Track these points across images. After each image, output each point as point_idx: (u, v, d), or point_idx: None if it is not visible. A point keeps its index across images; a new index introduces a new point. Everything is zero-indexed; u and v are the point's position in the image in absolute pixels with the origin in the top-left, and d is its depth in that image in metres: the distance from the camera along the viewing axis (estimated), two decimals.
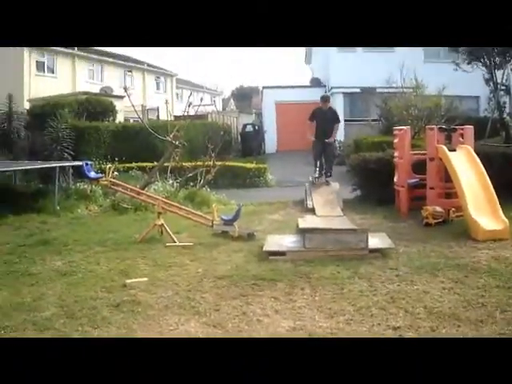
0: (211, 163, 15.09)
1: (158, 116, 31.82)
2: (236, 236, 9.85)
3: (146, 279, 7.50)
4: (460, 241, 9.11)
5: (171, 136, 14.27)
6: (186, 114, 15.73)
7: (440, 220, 10.30)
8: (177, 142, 14.15)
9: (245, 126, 31.61)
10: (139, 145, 20.82)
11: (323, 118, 13.71)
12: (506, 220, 9.37)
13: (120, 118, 26.62)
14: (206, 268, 8.12)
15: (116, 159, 17.44)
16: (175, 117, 23.59)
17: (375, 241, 8.67)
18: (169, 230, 9.77)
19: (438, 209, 10.39)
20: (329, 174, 14.05)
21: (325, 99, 14.12)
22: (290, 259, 8.28)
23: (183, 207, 10.98)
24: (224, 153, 18.54)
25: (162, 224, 9.88)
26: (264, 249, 8.68)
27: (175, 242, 9.53)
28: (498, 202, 9.78)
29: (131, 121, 27.40)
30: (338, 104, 27.38)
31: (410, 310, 6.13)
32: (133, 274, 7.87)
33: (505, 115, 15.53)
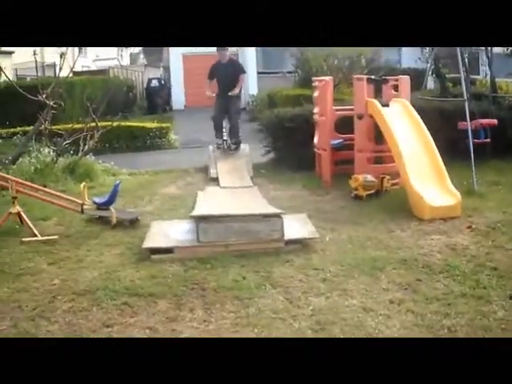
0: (94, 126, 12.33)
1: (55, 72, 29.22)
2: (114, 223, 7.62)
3: None
4: (401, 221, 7.21)
5: (43, 95, 11.64)
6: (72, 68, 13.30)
7: (372, 192, 8.36)
8: (51, 102, 11.48)
9: (150, 80, 29.27)
10: (26, 106, 18.17)
11: (224, 73, 11.43)
12: (457, 192, 7.47)
13: (9, 77, 23.85)
14: (66, 277, 5.96)
15: None
16: (74, 73, 21.56)
17: (294, 227, 6.63)
18: (27, 220, 7.45)
19: (370, 178, 8.38)
20: (235, 139, 11.78)
21: (222, 49, 11.29)
22: (178, 258, 6.17)
23: (45, 189, 8.51)
24: (127, 110, 16.26)
25: (19, 212, 7.54)
26: (144, 245, 6.49)
27: (36, 236, 7.24)
28: (444, 169, 7.86)
29: (28, 79, 24.85)
30: (250, 55, 25.51)
31: None
32: None
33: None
